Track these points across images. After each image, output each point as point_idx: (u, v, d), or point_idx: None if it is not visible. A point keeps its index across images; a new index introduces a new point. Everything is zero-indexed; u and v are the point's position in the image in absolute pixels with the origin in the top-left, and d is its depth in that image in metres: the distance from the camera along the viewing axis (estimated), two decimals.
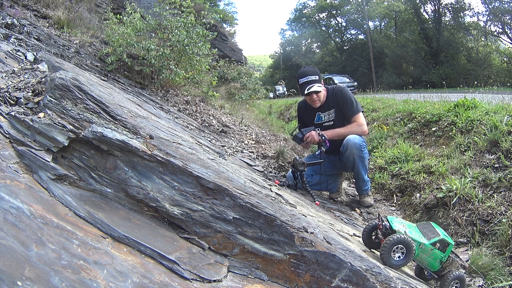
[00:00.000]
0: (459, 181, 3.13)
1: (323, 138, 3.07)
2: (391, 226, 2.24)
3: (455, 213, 2.94)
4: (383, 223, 2.32)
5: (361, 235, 2.48)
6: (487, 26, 24.82)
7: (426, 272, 2.42)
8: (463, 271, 2.34)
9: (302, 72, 3.27)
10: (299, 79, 3.24)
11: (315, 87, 3.13)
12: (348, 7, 36.73)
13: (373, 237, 2.43)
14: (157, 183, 1.82)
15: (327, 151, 3.13)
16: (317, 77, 3.18)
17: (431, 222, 2.48)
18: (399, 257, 2.14)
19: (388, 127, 5.86)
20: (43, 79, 2.40)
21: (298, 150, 4.82)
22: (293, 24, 44.04)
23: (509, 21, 23.55)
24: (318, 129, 3.15)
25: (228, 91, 9.49)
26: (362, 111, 3.33)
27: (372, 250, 2.43)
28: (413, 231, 2.28)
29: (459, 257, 2.42)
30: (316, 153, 3.21)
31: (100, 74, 4.51)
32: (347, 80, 22.20)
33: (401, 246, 2.13)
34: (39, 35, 4.48)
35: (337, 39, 39.59)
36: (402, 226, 2.26)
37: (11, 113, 1.93)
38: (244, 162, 3.56)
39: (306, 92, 3.16)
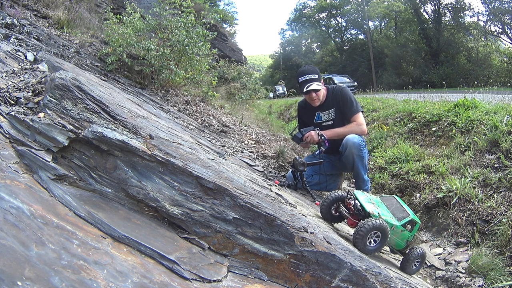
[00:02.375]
0: (459, 181, 3.13)
1: (323, 138, 3.07)
2: (364, 207, 2.13)
3: (455, 213, 2.94)
4: (355, 202, 2.21)
5: (319, 207, 2.38)
6: (487, 26, 24.82)
7: (333, 210, 2.32)
8: (423, 247, 2.29)
9: (301, 71, 3.28)
10: (299, 78, 3.25)
11: (314, 85, 3.14)
12: (348, 7, 36.72)
13: (333, 210, 2.31)
14: (157, 183, 1.82)
15: (326, 151, 3.13)
16: (316, 76, 3.18)
17: (394, 196, 2.39)
18: (373, 242, 2.04)
19: (388, 127, 5.86)
20: (43, 79, 2.40)
21: (298, 150, 4.82)
22: (293, 24, 44.06)
23: (509, 21, 23.55)
24: (317, 129, 3.15)
25: (228, 91, 9.48)
26: (362, 111, 3.33)
27: (331, 223, 2.33)
28: (384, 211, 2.17)
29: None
30: (316, 153, 3.21)
31: (100, 74, 4.51)
32: (347, 80, 22.19)
33: (377, 232, 2.03)
34: (39, 35, 4.48)
35: (337, 39, 39.57)
36: (374, 207, 2.15)
37: (11, 113, 1.93)
38: (244, 162, 3.56)
39: (305, 90, 3.17)
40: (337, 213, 2.31)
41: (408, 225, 2.15)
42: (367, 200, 2.19)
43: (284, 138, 5.64)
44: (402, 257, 2.24)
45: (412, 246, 2.21)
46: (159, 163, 1.83)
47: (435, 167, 3.66)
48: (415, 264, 2.23)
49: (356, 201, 2.19)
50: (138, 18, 5.37)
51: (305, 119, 3.48)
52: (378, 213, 2.08)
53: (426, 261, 2.62)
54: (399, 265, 2.28)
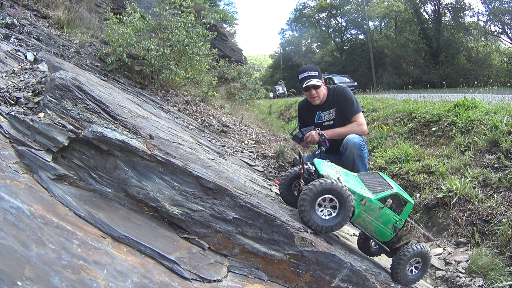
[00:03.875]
0: (459, 181, 3.13)
1: (323, 137, 3.07)
2: (318, 170, 1.70)
3: (455, 213, 2.94)
4: (306, 167, 1.77)
5: (279, 187, 1.97)
6: (487, 26, 24.81)
7: (372, 243, 1.86)
8: (427, 244, 1.77)
9: (302, 68, 3.30)
10: (299, 75, 3.27)
11: (314, 81, 3.14)
12: (348, 7, 36.72)
13: (295, 191, 1.92)
14: (157, 183, 1.82)
15: (327, 150, 3.13)
16: (316, 73, 3.19)
17: (379, 172, 1.94)
18: (327, 214, 1.61)
19: (388, 127, 5.86)
20: (43, 79, 2.39)
21: (298, 150, 4.82)
22: (293, 24, 44.06)
23: (509, 21, 23.54)
24: (318, 129, 3.15)
25: (228, 91, 9.48)
26: (362, 111, 3.33)
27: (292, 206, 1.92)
28: (352, 180, 1.72)
29: (421, 225, 1.82)
30: (316, 152, 3.21)
31: (100, 74, 4.51)
32: (347, 80, 22.19)
33: (330, 196, 1.55)
34: (39, 35, 4.48)
35: (337, 39, 39.57)
36: (334, 172, 1.72)
37: (11, 113, 1.93)
38: (244, 162, 3.56)
39: (304, 85, 3.17)
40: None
41: (390, 201, 1.70)
42: (328, 166, 1.78)
43: (284, 138, 5.65)
44: (393, 259, 1.75)
45: (407, 240, 1.73)
46: (159, 163, 1.83)
47: (435, 167, 3.66)
48: (413, 268, 1.73)
49: (311, 166, 1.76)
50: (138, 18, 5.38)
51: (306, 118, 3.48)
52: (338, 178, 1.64)
53: None
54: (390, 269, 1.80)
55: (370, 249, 1.90)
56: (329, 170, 1.71)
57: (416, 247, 1.68)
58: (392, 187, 1.70)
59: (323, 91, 3.29)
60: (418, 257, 1.72)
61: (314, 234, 1.82)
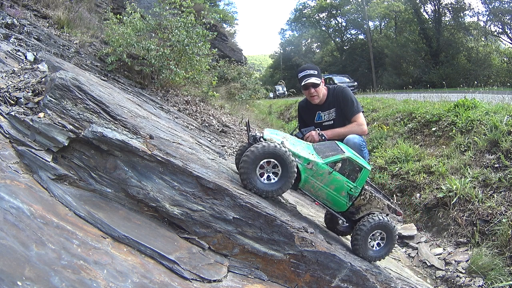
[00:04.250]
0: (459, 181, 3.13)
1: (323, 138, 3.07)
2: (263, 136, 1.68)
3: (455, 213, 2.94)
4: (251, 133, 1.74)
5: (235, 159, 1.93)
6: (487, 26, 24.80)
7: (340, 221, 1.78)
8: (391, 216, 1.64)
9: (301, 68, 3.31)
10: (298, 74, 3.28)
11: (312, 79, 3.14)
12: (348, 7, 36.71)
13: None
14: (157, 183, 1.82)
15: None
16: (315, 72, 3.20)
17: (336, 142, 1.91)
18: (268, 178, 1.55)
19: (388, 127, 5.86)
20: (43, 79, 2.39)
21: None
22: (293, 24, 44.04)
23: (509, 21, 23.53)
24: (318, 129, 3.15)
25: (228, 91, 9.48)
26: (362, 111, 3.33)
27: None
28: (300, 145, 1.68)
29: (388, 197, 1.73)
30: None
31: (100, 74, 4.51)
32: (347, 80, 22.18)
33: (272, 160, 1.50)
34: (39, 35, 4.48)
35: (337, 39, 39.55)
36: (279, 138, 1.67)
37: (11, 113, 1.93)
38: None
39: (302, 83, 3.18)
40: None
41: (339, 165, 1.57)
42: (275, 133, 1.73)
43: None
44: (352, 232, 1.66)
45: (368, 211, 1.64)
46: (159, 163, 1.83)
47: (435, 167, 3.66)
48: (376, 242, 1.64)
49: (257, 132, 1.71)
50: (138, 18, 5.38)
51: (306, 118, 3.48)
52: (282, 142, 1.57)
53: (426, 261, 2.61)
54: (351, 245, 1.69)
55: (338, 228, 1.82)
56: (275, 136, 1.65)
57: (376, 217, 1.57)
58: (343, 152, 1.62)
59: (322, 90, 3.29)
60: (381, 230, 1.61)
61: (314, 234, 1.82)
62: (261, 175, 1.58)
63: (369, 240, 1.65)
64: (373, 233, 1.65)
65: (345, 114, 3.26)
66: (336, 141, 1.85)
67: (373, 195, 1.66)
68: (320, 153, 1.64)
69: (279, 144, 1.49)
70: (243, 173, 1.52)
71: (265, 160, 1.50)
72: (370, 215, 1.61)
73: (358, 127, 3.19)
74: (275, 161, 1.48)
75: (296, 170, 1.50)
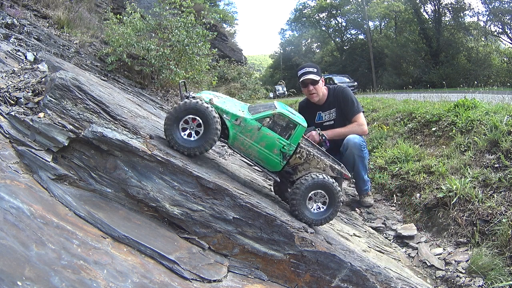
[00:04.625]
0: (459, 181, 3.13)
1: (324, 138, 3.08)
2: (195, 95, 1.67)
3: (455, 213, 2.94)
4: (185, 93, 1.72)
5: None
6: (487, 26, 24.82)
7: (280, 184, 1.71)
8: (331, 175, 1.58)
9: (301, 66, 3.34)
10: (298, 71, 3.30)
11: (311, 76, 3.15)
12: (348, 7, 36.73)
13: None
14: (157, 183, 1.82)
15: (327, 151, 3.14)
16: (315, 70, 3.21)
17: (275, 101, 1.85)
18: (189, 135, 1.56)
19: (388, 127, 5.86)
20: (43, 79, 2.39)
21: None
22: (293, 24, 44.06)
23: (509, 21, 23.54)
24: (318, 129, 3.16)
25: (228, 91, 9.49)
26: (363, 111, 3.34)
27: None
28: (232, 103, 1.66)
29: (339, 162, 1.67)
30: None
31: (100, 74, 4.51)
32: (347, 80, 22.18)
33: (196, 118, 1.49)
34: (39, 35, 4.48)
35: (337, 39, 39.57)
36: (213, 97, 1.65)
37: (11, 113, 1.93)
38: (244, 162, 3.55)
39: (301, 79, 3.19)
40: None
41: (268, 120, 1.52)
42: (208, 93, 1.75)
43: None
44: (290, 196, 1.61)
45: (307, 170, 1.57)
46: (159, 163, 1.83)
47: (435, 167, 3.66)
48: (318, 204, 1.58)
49: (191, 93, 1.72)
50: (138, 18, 5.38)
51: (306, 118, 3.48)
52: (210, 100, 1.55)
53: (426, 261, 2.61)
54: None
55: (286, 195, 1.76)
56: (208, 95, 1.63)
57: (314, 176, 1.49)
58: (275, 108, 1.55)
59: (322, 89, 3.29)
60: (321, 190, 1.54)
61: (314, 234, 1.82)
62: (184, 129, 1.56)
63: (309, 201, 1.58)
64: (313, 194, 1.58)
65: (345, 114, 3.27)
66: (276, 102, 1.79)
67: (312, 153, 1.57)
68: (252, 110, 1.61)
69: (202, 100, 1.46)
70: (165, 130, 1.52)
71: (189, 116, 1.48)
72: (309, 175, 1.53)
73: (359, 127, 3.19)
74: (198, 118, 1.46)
75: (219, 127, 1.47)
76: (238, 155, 3.18)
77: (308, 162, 1.55)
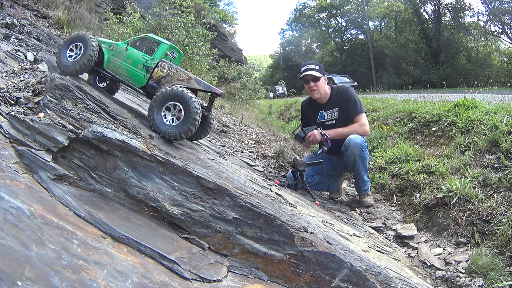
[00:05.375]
0: (459, 181, 3.13)
1: (325, 137, 3.08)
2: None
3: (455, 213, 2.94)
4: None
5: None
6: (487, 26, 24.81)
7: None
8: (197, 88, 1.80)
9: (304, 63, 3.37)
10: (300, 68, 3.31)
11: (312, 72, 3.16)
12: (348, 7, 36.73)
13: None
14: (157, 183, 1.82)
15: (328, 150, 3.14)
16: (317, 67, 3.22)
17: (148, 34, 2.13)
18: (70, 56, 1.88)
19: (388, 127, 5.86)
20: (43, 79, 2.39)
21: (298, 150, 4.82)
22: (293, 24, 44.07)
23: (509, 21, 23.54)
24: (320, 128, 3.16)
25: (228, 91, 9.49)
26: (365, 112, 3.34)
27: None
28: (110, 41, 2.03)
29: (209, 85, 1.89)
30: (318, 152, 3.21)
31: None
32: (347, 80, 22.18)
33: (77, 44, 1.82)
34: (39, 35, 4.48)
35: (337, 39, 39.58)
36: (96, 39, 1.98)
37: (11, 113, 1.93)
38: (244, 162, 3.55)
39: (302, 75, 3.20)
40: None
41: (139, 43, 1.83)
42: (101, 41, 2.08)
43: (284, 138, 5.64)
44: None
45: (170, 83, 1.77)
46: (159, 163, 1.83)
47: (435, 167, 3.66)
48: (170, 117, 1.75)
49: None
50: (138, 18, 5.39)
51: (308, 117, 3.49)
52: (91, 37, 1.93)
53: (426, 261, 2.61)
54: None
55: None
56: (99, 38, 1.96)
57: (174, 87, 1.63)
58: (146, 34, 1.83)
59: (323, 86, 3.29)
60: (176, 101, 1.66)
61: (314, 234, 1.82)
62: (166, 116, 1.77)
63: (166, 112, 1.72)
64: (172, 105, 1.73)
65: (347, 114, 3.27)
66: (149, 35, 2.04)
67: (174, 67, 1.75)
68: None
69: (85, 33, 1.75)
70: (56, 55, 1.85)
71: (72, 44, 1.79)
72: (170, 86, 1.68)
73: (360, 127, 3.19)
74: (80, 44, 1.75)
75: (95, 54, 1.72)
76: (239, 155, 3.17)
77: (170, 75, 1.73)
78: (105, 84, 2.35)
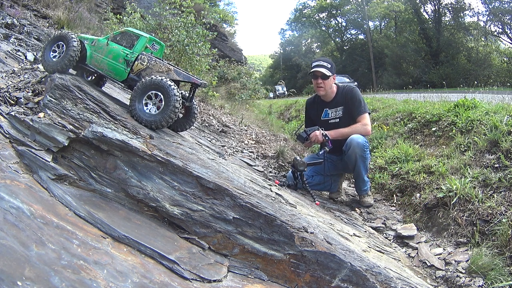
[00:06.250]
0: (459, 181, 3.13)
1: (327, 138, 3.09)
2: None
3: (455, 213, 2.94)
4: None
5: None
6: (487, 26, 24.81)
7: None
8: (176, 79, 1.87)
9: (317, 58, 3.36)
10: (312, 63, 3.33)
11: (322, 70, 3.17)
12: (348, 7, 36.73)
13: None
14: (157, 183, 1.82)
15: (329, 150, 3.15)
16: (329, 65, 3.22)
17: (128, 28, 2.20)
18: (54, 56, 1.96)
19: (388, 127, 5.86)
20: (43, 79, 2.39)
21: (298, 150, 4.82)
22: (293, 24, 44.08)
23: (509, 21, 23.54)
24: (322, 129, 3.16)
25: (228, 91, 9.49)
26: (369, 113, 3.35)
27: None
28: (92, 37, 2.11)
29: (187, 73, 1.98)
30: (320, 152, 3.22)
31: None
32: (347, 80, 22.14)
33: (59, 44, 1.91)
34: (39, 35, 4.48)
35: (337, 39, 39.58)
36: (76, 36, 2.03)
37: (11, 113, 1.93)
38: (244, 162, 3.56)
39: (312, 70, 3.20)
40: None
41: (120, 38, 1.88)
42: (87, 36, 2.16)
43: (284, 138, 5.64)
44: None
45: (150, 75, 1.83)
46: (159, 163, 1.83)
47: (435, 167, 3.65)
48: (150, 106, 1.83)
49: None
50: (138, 18, 5.39)
51: (312, 115, 3.49)
52: (75, 35, 1.99)
53: (426, 261, 2.61)
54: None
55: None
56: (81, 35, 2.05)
57: (153, 77, 1.69)
58: (125, 28, 1.87)
59: (331, 85, 3.30)
60: (156, 91, 1.73)
61: (314, 234, 1.82)
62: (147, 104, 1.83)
63: (147, 101, 1.78)
64: (153, 94, 1.79)
65: (351, 114, 3.27)
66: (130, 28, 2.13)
67: (153, 59, 1.79)
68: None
69: (63, 32, 1.81)
70: (42, 52, 1.87)
71: (56, 43, 1.86)
72: (150, 77, 1.74)
73: (362, 127, 3.19)
74: (61, 43, 1.81)
75: (77, 50, 1.78)
76: (239, 155, 3.20)
77: (150, 67, 1.78)
78: (92, 77, 2.40)
